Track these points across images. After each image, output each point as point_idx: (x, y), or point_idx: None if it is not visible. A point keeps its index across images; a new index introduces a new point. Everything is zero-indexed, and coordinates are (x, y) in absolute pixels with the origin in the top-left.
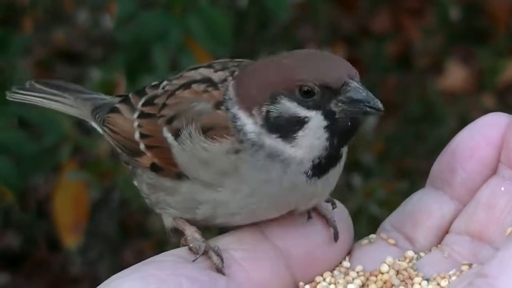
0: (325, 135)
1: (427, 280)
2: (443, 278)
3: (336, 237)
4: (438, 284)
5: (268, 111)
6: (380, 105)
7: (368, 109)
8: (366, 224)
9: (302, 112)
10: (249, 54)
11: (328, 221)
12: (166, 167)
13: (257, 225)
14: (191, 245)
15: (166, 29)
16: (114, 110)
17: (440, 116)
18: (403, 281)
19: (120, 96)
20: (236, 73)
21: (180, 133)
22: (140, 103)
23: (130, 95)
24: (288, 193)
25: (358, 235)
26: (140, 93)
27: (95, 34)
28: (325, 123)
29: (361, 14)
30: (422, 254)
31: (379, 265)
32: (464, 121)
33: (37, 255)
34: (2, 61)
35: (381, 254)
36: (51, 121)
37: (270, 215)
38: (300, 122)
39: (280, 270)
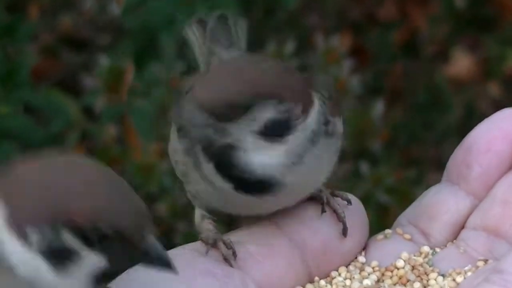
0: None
1: (443, 275)
2: (459, 273)
3: (344, 233)
4: (454, 279)
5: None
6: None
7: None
8: (374, 212)
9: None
10: (257, 42)
11: (338, 216)
12: None
13: (272, 218)
14: (202, 236)
15: (175, 15)
16: None
17: (447, 104)
18: (418, 276)
19: None
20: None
21: None
22: None
23: None
24: None
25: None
26: None
27: (102, 20)
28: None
29: (368, 3)
30: (437, 249)
31: (395, 260)
32: (470, 109)
33: None
34: (9, 48)
35: (397, 249)
36: (58, 107)
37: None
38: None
39: (295, 264)
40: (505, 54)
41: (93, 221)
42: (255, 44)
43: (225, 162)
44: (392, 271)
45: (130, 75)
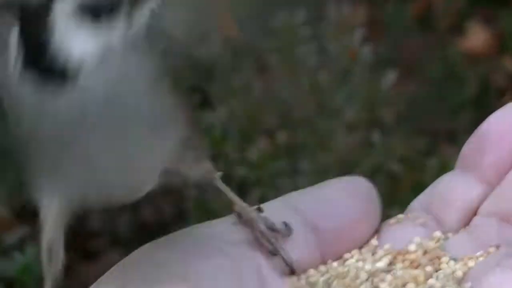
0: None
1: (455, 260)
2: (470, 258)
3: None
4: (465, 264)
5: None
6: None
7: None
8: (385, 182)
9: None
10: (269, 13)
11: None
12: None
13: (287, 198)
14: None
15: None
16: None
17: (462, 78)
18: (430, 260)
19: None
20: None
21: None
22: None
23: None
24: None
25: (378, 192)
26: None
27: None
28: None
29: None
30: (449, 235)
31: (407, 244)
32: (485, 83)
33: None
34: None
35: (409, 234)
36: None
37: None
38: None
39: (310, 246)
40: None
41: None
42: (267, 14)
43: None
44: (404, 255)
45: None
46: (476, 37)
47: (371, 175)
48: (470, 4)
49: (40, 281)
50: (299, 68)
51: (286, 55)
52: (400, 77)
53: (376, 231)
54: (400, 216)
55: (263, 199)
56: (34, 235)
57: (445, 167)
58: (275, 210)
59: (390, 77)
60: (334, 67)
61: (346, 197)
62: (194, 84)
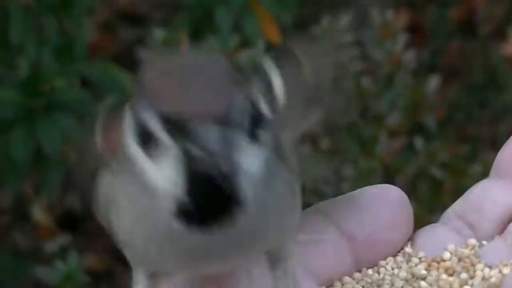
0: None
1: (489, 267)
2: (505, 265)
3: None
4: (500, 271)
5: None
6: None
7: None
8: (428, 187)
9: (158, 131)
10: (312, 19)
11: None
12: None
13: (320, 206)
14: None
15: None
16: None
17: (504, 83)
18: (465, 267)
19: None
20: None
21: None
22: None
23: None
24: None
25: (420, 197)
26: None
27: None
28: (168, 143)
29: None
30: (484, 242)
31: (441, 252)
32: None
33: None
34: (67, 22)
35: (443, 241)
36: (114, 80)
37: None
38: (154, 139)
39: (342, 254)
40: None
41: (170, 110)
42: (310, 20)
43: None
44: (438, 262)
45: (185, 47)
46: None
47: (414, 181)
48: None
49: None
50: (343, 73)
51: None
52: (442, 82)
53: (411, 239)
54: (434, 224)
55: (306, 206)
56: (76, 244)
57: (487, 173)
58: (308, 218)
59: (433, 82)
60: (377, 72)
61: (378, 204)
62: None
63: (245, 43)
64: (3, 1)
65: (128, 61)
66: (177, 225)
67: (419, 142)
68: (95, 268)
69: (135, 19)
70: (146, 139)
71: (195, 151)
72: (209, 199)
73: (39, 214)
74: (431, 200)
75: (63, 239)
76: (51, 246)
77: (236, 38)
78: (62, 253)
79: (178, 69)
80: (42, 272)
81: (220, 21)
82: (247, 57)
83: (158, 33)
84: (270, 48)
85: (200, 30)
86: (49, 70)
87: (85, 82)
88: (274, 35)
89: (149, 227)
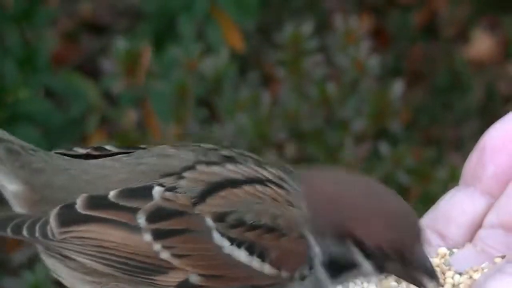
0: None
1: (460, 274)
2: (476, 271)
3: None
4: (471, 277)
5: (331, 247)
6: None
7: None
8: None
9: (361, 260)
10: (275, 25)
11: None
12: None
13: None
14: None
15: None
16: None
17: (467, 85)
18: None
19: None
20: (300, 188)
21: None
22: (143, 220)
23: (88, 212)
24: None
25: None
26: (109, 206)
27: (120, 5)
28: (372, 272)
29: None
30: (454, 250)
31: None
32: (491, 91)
33: None
34: (29, 33)
35: None
36: (77, 91)
37: None
38: (352, 266)
39: None
40: None
41: (377, 243)
42: (273, 26)
43: None
44: None
45: (147, 58)
46: (481, 44)
47: None
48: (474, 12)
49: None
50: (306, 80)
51: (294, 67)
52: (406, 86)
53: None
54: None
55: None
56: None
57: (453, 177)
58: None
59: (397, 87)
60: (342, 78)
61: None
62: (202, 98)
63: (209, 51)
64: None
65: (92, 71)
66: None
67: (384, 148)
68: None
69: (97, 29)
70: (335, 266)
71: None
72: None
73: None
74: None
75: (31, 250)
76: (18, 257)
77: (199, 46)
78: (30, 264)
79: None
80: (9, 283)
81: (183, 29)
82: (211, 65)
83: (121, 43)
84: (234, 55)
85: (163, 39)
86: (12, 81)
87: (49, 93)
88: (238, 42)
89: None
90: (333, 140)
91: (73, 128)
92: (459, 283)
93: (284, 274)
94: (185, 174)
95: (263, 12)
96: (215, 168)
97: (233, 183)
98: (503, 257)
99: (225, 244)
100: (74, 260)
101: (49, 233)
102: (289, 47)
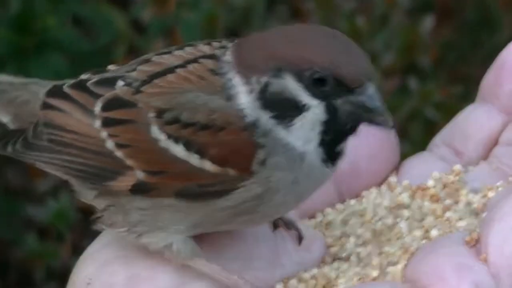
0: (320, 129)
1: (474, 192)
2: (490, 189)
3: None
4: (485, 195)
5: (267, 84)
6: (391, 123)
7: (375, 121)
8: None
9: (305, 98)
10: None
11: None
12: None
13: None
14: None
15: None
16: (50, 107)
17: (497, 23)
18: (449, 194)
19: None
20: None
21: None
22: (99, 107)
23: (66, 89)
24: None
25: (414, 138)
26: (83, 88)
27: None
28: (324, 117)
29: None
30: (470, 167)
31: (426, 179)
32: None
33: None
34: None
35: (429, 169)
36: (105, 19)
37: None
38: (299, 108)
39: (325, 185)
40: None
41: (311, 64)
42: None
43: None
44: (423, 190)
45: None
46: None
47: (408, 120)
48: None
49: (73, 227)
50: (335, 13)
51: (323, 0)
52: (435, 22)
53: (396, 169)
54: (422, 152)
55: None
56: (67, 182)
57: None
58: None
59: (427, 22)
60: (371, 12)
61: (360, 135)
62: (231, 29)
63: None
64: None
65: (121, 1)
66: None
67: (413, 83)
68: (87, 205)
69: None
70: (278, 107)
71: (362, 107)
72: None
73: None
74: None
75: (54, 178)
76: (43, 185)
77: None
78: (54, 191)
79: (327, 37)
80: (34, 211)
81: None
82: None
83: None
84: None
85: None
86: (41, 9)
87: (77, 21)
88: None
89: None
90: None
91: (100, 56)
92: (473, 202)
93: (231, 172)
94: (139, 67)
95: None
96: (165, 57)
97: (170, 70)
98: None
99: (161, 138)
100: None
101: (29, 138)
102: None
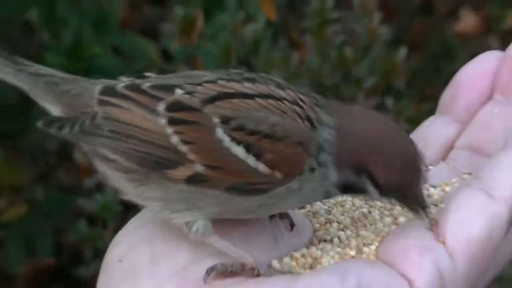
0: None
1: (434, 187)
2: (447, 185)
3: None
4: (443, 189)
5: (347, 175)
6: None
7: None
8: None
9: (370, 188)
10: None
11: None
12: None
13: None
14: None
15: None
16: (110, 104)
17: (455, 54)
18: None
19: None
20: (333, 119)
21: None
22: (162, 108)
23: (122, 90)
24: None
25: None
26: (141, 90)
27: None
28: (377, 197)
29: None
30: (431, 167)
31: None
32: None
33: None
34: (103, 1)
35: None
36: (140, 49)
37: None
38: (361, 190)
39: None
40: (503, 14)
41: (388, 181)
42: (301, 2)
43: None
44: None
45: (200, 22)
46: (467, 21)
47: None
48: None
49: (117, 216)
50: (328, 45)
51: (318, 34)
52: (407, 53)
53: None
54: None
55: None
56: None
57: None
58: None
59: (401, 53)
60: (357, 44)
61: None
62: (242, 57)
63: (248, 19)
64: None
65: (152, 34)
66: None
67: (390, 101)
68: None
69: (157, 0)
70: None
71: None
72: None
73: (80, 156)
74: None
75: (99, 176)
76: (90, 182)
77: (241, 15)
78: (99, 187)
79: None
80: (84, 203)
81: (228, 1)
82: (250, 30)
83: (179, 10)
84: (268, 23)
85: (212, 8)
86: (88, 40)
87: (117, 50)
88: (271, 13)
89: None
90: (348, 94)
91: None
92: (433, 194)
93: (278, 175)
94: (205, 84)
95: None
96: (233, 84)
97: (246, 95)
98: (469, 173)
99: (225, 139)
100: (107, 158)
101: (86, 126)
102: (314, 18)
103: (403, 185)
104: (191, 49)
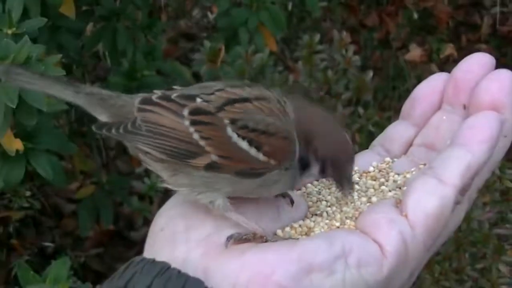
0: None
1: (398, 174)
2: (408, 173)
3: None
4: (405, 176)
5: (303, 151)
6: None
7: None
8: (366, 137)
9: (314, 163)
10: (296, 36)
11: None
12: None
13: None
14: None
15: (248, 18)
16: (147, 110)
17: (406, 76)
18: (383, 175)
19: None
20: (293, 110)
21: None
22: (186, 112)
23: (157, 100)
24: None
25: (361, 144)
26: (170, 100)
27: (203, 23)
28: (317, 173)
29: (360, 14)
30: (395, 159)
31: (368, 166)
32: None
33: None
34: (149, 37)
35: (370, 160)
36: (178, 72)
37: None
38: (309, 165)
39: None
40: (441, 47)
41: (323, 153)
42: (294, 38)
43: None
44: (366, 173)
45: (222, 52)
46: (415, 52)
47: (357, 132)
48: (411, 33)
49: (162, 196)
50: (315, 69)
51: (307, 61)
52: (373, 75)
53: None
54: (365, 150)
55: None
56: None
57: None
58: None
59: (369, 74)
60: (337, 68)
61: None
62: (252, 78)
63: (256, 50)
64: (114, 24)
65: (186, 61)
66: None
67: (361, 110)
68: None
69: (189, 37)
70: (302, 163)
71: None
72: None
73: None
74: (366, 144)
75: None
76: (140, 169)
77: (251, 47)
78: (147, 173)
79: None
80: (135, 184)
81: (242, 37)
82: (258, 58)
83: (207, 43)
84: (270, 53)
85: (230, 42)
86: (140, 65)
87: (161, 73)
88: (273, 45)
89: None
90: (330, 105)
91: None
92: (397, 180)
93: (272, 161)
94: (216, 93)
95: (288, 27)
96: (236, 89)
97: (246, 99)
98: (424, 164)
99: (233, 136)
100: (145, 152)
101: (128, 127)
102: (305, 49)
103: (335, 161)
104: (215, 71)
